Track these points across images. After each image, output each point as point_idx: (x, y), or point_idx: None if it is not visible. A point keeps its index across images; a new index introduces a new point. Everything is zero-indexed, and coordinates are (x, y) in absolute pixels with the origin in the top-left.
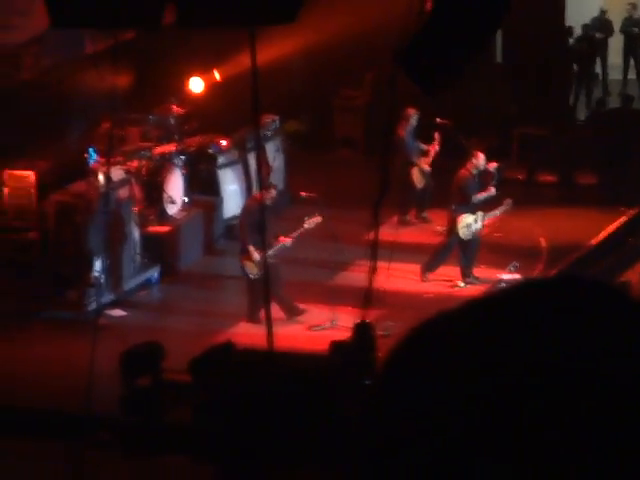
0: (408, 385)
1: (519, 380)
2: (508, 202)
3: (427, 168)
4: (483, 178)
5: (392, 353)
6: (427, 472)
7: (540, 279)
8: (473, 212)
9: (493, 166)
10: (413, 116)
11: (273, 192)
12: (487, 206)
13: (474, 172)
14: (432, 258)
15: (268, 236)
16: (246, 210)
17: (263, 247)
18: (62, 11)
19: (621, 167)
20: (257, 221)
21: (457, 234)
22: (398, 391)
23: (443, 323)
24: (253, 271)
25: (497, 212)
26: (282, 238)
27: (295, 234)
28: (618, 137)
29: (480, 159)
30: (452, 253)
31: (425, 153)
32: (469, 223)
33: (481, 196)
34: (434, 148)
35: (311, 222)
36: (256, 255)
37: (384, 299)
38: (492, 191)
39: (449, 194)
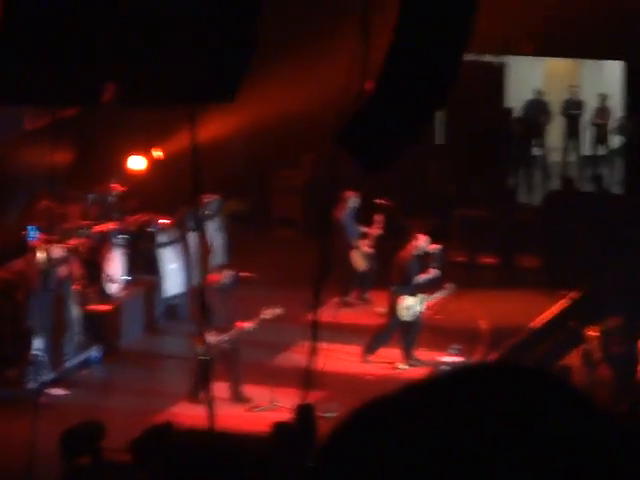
0: (345, 467)
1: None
2: (450, 286)
3: (368, 250)
4: (424, 260)
5: (330, 436)
6: None
7: (478, 365)
8: (414, 294)
9: (434, 248)
10: (352, 199)
11: (228, 273)
12: (429, 289)
13: (415, 253)
14: (373, 340)
15: (222, 318)
16: (198, 292)
17: (209, 330)
18: (1, 88)
19: (563, 250)
20: (208, 303)
21: (397, 316)
22: (336, 473)
23: (380, 408)
24: (202, 353)
25: (438, 295)
26: (239, 324)
27: (254, 322)
28: (560, 219)
29: (421, 241)
30: (392, 335)
31: (365, 236)
32: (410, 305)
33: (422, 278)
34: (375, 231)
35: (270, 313)
36: (211, 338)
37: (325, 380)
38: (434, 273)
39: (390, 275)
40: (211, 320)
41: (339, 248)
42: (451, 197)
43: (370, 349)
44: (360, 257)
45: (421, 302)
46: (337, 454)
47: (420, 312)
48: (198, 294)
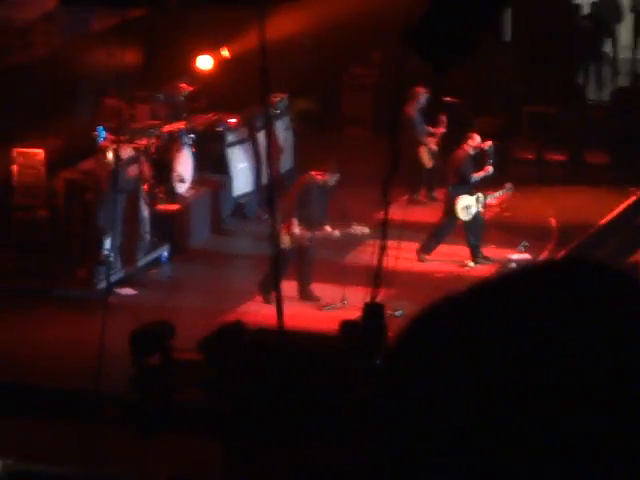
0: (415, 370)
1: (521, 370)
2: (509, 185)
3: (435, 148)
4: (479, 158)
5: (400, 336)
6: (437, 456)
7: (547, 263)
8: (471, 193)
9: (488, 145)
10: (422, 95)
11: (335, 174)
12: (489, 187)
13: (470, 152)
14: (429, 239)
15: (316, 216)
16: (301, 185)
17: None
18: None
19: (631, 147)
20: (305, 200)
21: (456, 216)
22: (405, 374)
23: (449, 307)
24: (286, 243)
25: (498, 194)
26: (328, 228)
27: (343, 231)
28: (629, 116)
29: (475, 139)
30: (450, 233)
31: (432, 134)
32: (468, 204)
33: (478, 176)
34: (440, 130)
35: (358, 229)
36: (297, 229)
37: (394, 279)
38: (489, 170)
39: (447, 175)
40: (302, 215)
41: (409, 145)
42: (519, 94)
43: (426, 248)
44: (427, 154)
45: (478, 201)
46: (406, 355)
47: (478, 210)
48: (302, 188)
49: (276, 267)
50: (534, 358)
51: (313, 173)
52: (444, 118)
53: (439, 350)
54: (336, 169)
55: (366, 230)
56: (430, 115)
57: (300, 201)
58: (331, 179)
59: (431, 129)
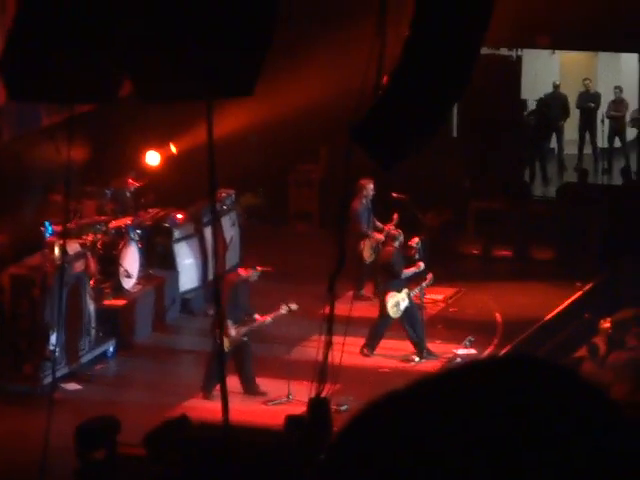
0: (358, 461)
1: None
2: (430, 277)
3: (379, 241)
4: (408, 253)
5: (343, 430)
6: None
7: (491, 359)
8: (400, 290)
9: (415, 241)
10: (368, 187)
11: (256, 271)
12: (413, 282)
13: (397, 247)
14: (369, 337)
15: (242, 312)
16: (228, 285)
17: (238, 324)
18: (18, 84)
19: (577, 242)
20: (230, 297)
21: (387, 314)
22: (348, 467)
23: (389, 404)
24: (226, 345)
25: (422, 287)
26: (259, 317)
27: (273, 315)
28: (575, 212)
29: (399, 233)
30: (386, 329)
31: (380, 230)
32: (397, 301)
33: (409, 271)
34: (389, 228)
35: (287, 308)
36: (232, 331)
37: (340, 373)
38: (421, 266)
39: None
40: (233, 314)
41: (353, 238)
42: (465, 190)
43: (369, 346)
44: (369, 249)
45: (408, 296)
46: (349, 448)
47: (410, 306)
48: (215, 288)
49: (220, 362)
50: (472, 456)
51: (238, 270)
52: (395, 216)
53: (378, 446)
54: (256, 264)
55: (294, 306)
56: (378, 209)
57: (230, 301)
58: (253, 275)
59: (380, 225)
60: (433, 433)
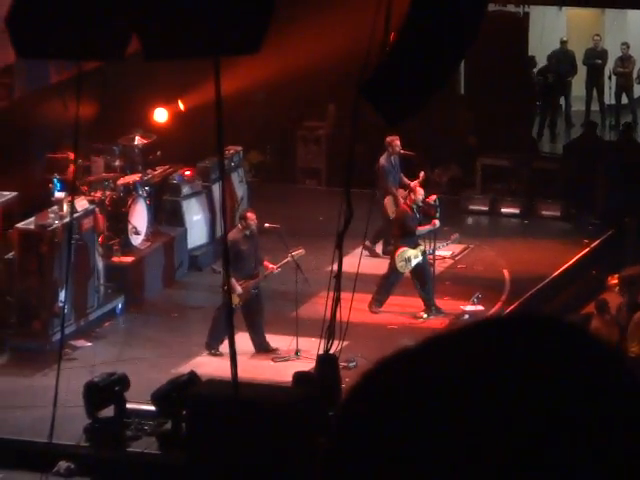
0: (367, 420)
1: (475, 421)
2: (456, 236)
3: (404, 198)
4: (426, 211)
5: (352, 389)
6: None
7: (497, 318)
8: (414, 246)
9: (433, 199)
10: (394, 143)
11: (252, 223)
12: (440, 239)
13: (413, 206)
14: (378, 291)
15: (252, 266)
16: (229, 242)
17: (245, 278)
18: (26, 41)
19: (585, 198)
20: (236, 252)
21: (397, 270)
22: (358, 425)
23: (400, 361)
24: (235, 302)
25: (444, 245)
26: (268, 265)
27: (280, 264)
28: (583, 168)
29: (419, 193)
30: (395, 285)
31: (406, 187)
32: (408, 257)
33: (423, 229)
34: (415, 185)
35: (296, 254)
36: (238, 287)
37: (348, 330)
38: (436, 224)
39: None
40: (240, 268)
41: (379, 193)
42: (473, 146)
43: (377, 301)
44: (392, 205)
45: (422, 254)
46: (360, 405)
47: (423, 262)
48: (230, 245)
49: (228, 318)
50: (485, 412)
51: (236, 228)
52: (422, 174)
53: (389, 403)
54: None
55: (301, 251)
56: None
57: (233, 256)
58: (251, 225)
59: (407, 181)
60: (443, 391)
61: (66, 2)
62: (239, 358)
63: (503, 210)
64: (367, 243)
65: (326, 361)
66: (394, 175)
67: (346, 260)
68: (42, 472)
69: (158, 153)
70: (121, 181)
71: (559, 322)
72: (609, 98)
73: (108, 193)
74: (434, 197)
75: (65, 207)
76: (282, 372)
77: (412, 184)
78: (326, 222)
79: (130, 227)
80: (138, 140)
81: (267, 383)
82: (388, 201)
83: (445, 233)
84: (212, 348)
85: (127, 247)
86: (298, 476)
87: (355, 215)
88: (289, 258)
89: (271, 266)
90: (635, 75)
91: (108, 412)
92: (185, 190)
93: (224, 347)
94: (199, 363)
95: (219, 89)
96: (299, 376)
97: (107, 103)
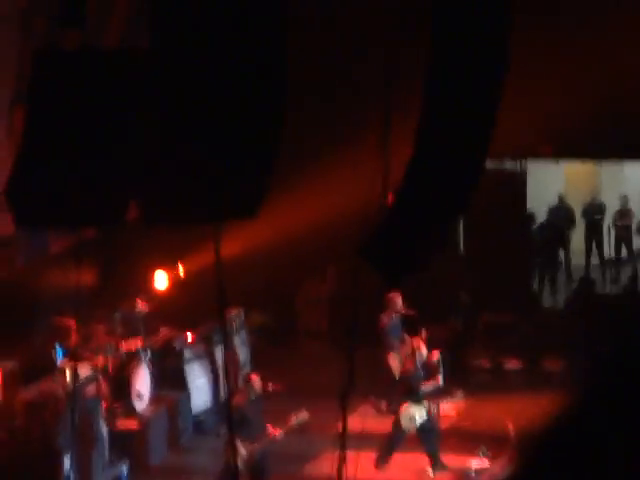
0: None
1: None
2: (459, 392)
3: (407, 354)
4: (429, 368)
5: None
6: None
7: None
8: (419, 403)
9: (436, 355)
10: (396, 301)
11: (257, 386)
12: (437, 396)
13: (417, 364)
14: (382, 450)
15: (256, 430)
16: (233, 406)
17: (249, 441)
18: (24, 210)
19: (586, 352)
20: (241, 415)
21: (402, 427)
22: None
23: None
24: (239, 466)
25: (448, 401)
26: (272, 430)
27: (284, 428)
28: (584, 322)
29: (422, 349)
30: (400, 444)
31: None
32: (412, 415)
33: (427, 387)
34: (418, 343)
35: (299, 418)
36: (242, 450)
37: None
38: (439, 381)
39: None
40: (245, 431)
41: (384, 353)
42: (474, 303)
43: (382, 459)
44: (397, 363)
45: (426, 410)
46: None
47: (428, 420)
48: (235, 409)
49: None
50: None
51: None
52: (424, 332)
53: None
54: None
55: (304, 414)
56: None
57: (238, 420)
58: (256, 387)
59: (407, 338)
60: None
61: (64, 171)
62: None
63: (506, 366)
64: (373, 399)
65: None
66: (397, 332)
67: (350, 419)
68: None
69: (160, 318)
70: (123, 346)
71: None
72: (609, 251)
73: (110, 359)
74: (437, 354)
75: (67, 374)
76: None
77: (415, 342)
78: (330, 382)
79: (133, 392)
80: (139, 306)
81: None
82: (392, 358)
83: (448, 390)
84: None
85: (130, 412)
86: None
87: (359, 374)
88: (293, 422)
89: (274, 430)
90: (635, 227)
91: None
92: (187, 354)
93: None
94: None
95: (219, 253)
96: None
97: (107, 269)
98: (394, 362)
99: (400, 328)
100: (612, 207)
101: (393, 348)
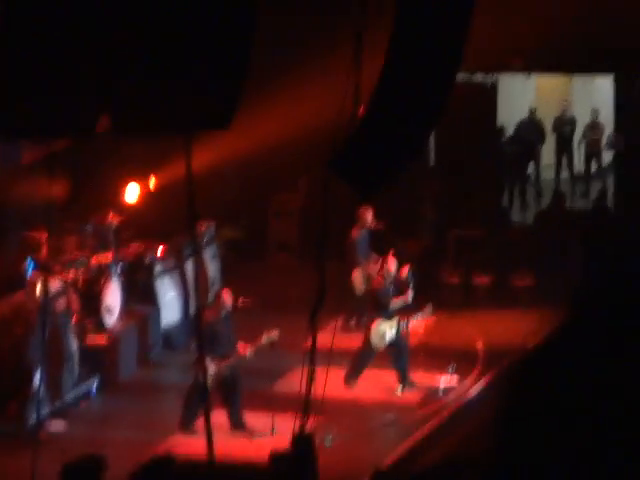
0: None
1: None
2: (429, 307)
3: (371, 273)
4: (398, 284)
5: None
6: None
7: None
8: (388, 320)
9: (405, 271)
10: (367, 216)
11: (228, 303)
12: (408, 312)
13: (386, 280)
14: (352, 367)
15: (227, 346)
16: (204, 322)
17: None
18: None
19: (555, 268)
20: (211, 332)
21: (371, 344)
22: None
23: None
24: (208, 382)
25: (418, 317)
26: (242, 347)
27: (254, 346)
28: (553, 237)
29: (391, 265)
30: (369, 360)
31: (376, 261)
32: (383, 331)
33: (397, 302)
34: (388, 263)
35: (269, 336)
36: (212, 367)
37: (323, 405)
38: (408, 296)
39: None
40: (215, 348)
41: (348, 266)
42: (444, 218)
43: (352, 376)
44: (360, 279)
45: (397, 327)
46: None
47: (398, 336)
48: (205, 324)
49: (202, 398)
50: None
51: (211, 307)
52: (392, 250)
53: None
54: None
55: (275, 333)
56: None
57: (209, 336)
58: (227, 306)
59: (376, 256)
60: None
61: (34, 82)
62: (215, 436)
63: (476, 281)
64: (342, 315)
65: (302, 440)
66: (364, 248)
67: (320, 335)
68: None
69: (130, 231)
70: (94, 260)
71: None
72: (579, 165)
73: (81, 272)
74: (406, 269)
75: (38, 288)
76: (259, 449)
77: (384, 258)
78: (300, 297)
79: (103, 307)
80: (110, 218)
81: (244, 463)
82: (356, 274)
83: (418, 305)
84: (186, 427)
85: (101, 327)
86: None
87: (328, 289)
88: (263, 340)
89: (245, 348)
90: (604, 142)
91: None
92: (158, 268)
93: (200, 425)
94: (176, 443)
95: (190, 166)
96: (276, 456)
97: (78, 182)
98: (358, 278)
99: (368, 243)
100: (582, 121)
101: (359, 264)
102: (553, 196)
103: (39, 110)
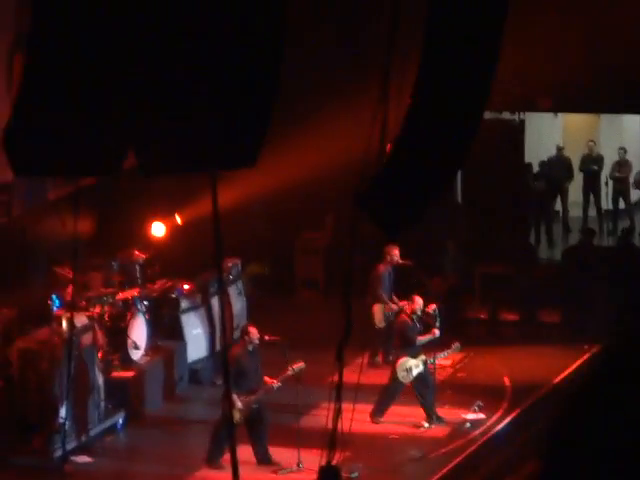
0: None
1: None
2: (456, 345)
3: (393, 309)
4: (425, 321)
5: None
6: None
7: None
8: (415, 355)
9: (432, 308)
10: (393, 252)
11: (255, 338)
12: (440, 348)
13: (413, 316)
14: (379, 402)
15: (254, 381)
16: (230, 357)
17: (247, 394)
18: (23, 159)
19: (583, 304)
20: (238, 367)
21: (398, 380)
22: None
23: None
24: (236, 418)
25: (445, 354)
26: (268, 380)
27: (281, 378)
28: (581, 274)
29: (417, 303)
30: (397, 396)
31: (396, 302)
32: (409, 367)
33: (423, 339)
34: (414, 295)
35: (296, 367)
36: (238, 402)
37: (349, 440)
38: (436, 333)
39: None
40: (241, 383)
41: (370, 301)
42: (472, 255)
43: (378, 411)
44: (380, 315)
45: (423, 363)
46: None
47: (424, 372)
48: (233, 360)
49: (229, 432)
50: None
51: (237, 344)
52: (416, 298)
53: None
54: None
55: (302, 365)
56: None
57: (236, 371)
58: (254, 340)
59: (395, 298)
60: None
61: (62, 120)
62: (241, 471)
63: (503, 317)
64: (369, 351)
65: (328, 473)
66: (388, 284)
67: (347, 371)
68: None
69: (156, 268)
70: (120, 296)
71: None
72: (606, 203)
73: (107, 308)
74: (433, 306)
75: (64, 323)
76: None
77: (402, 302)
78: (326, 333)
79: (129, 342)
80: (136, 255)
81: None
82: (377, 309)
83: (445, 342)
84: (213, 462)
85: (127, 362)
86: None
87: (355, 325)
88: (289, 372)
89: (271, 381)
90: (632, 180)
91: None
92: (184, 304)
93: (227, 460)
94: (202, 477)
95: (216, 203)
96: None
97: (104, 218)
98: (378, 314)
99: (392, 280)
100: (610, 159)
101: (380, 299)
102: (582, 232)
103: (65, 148)
